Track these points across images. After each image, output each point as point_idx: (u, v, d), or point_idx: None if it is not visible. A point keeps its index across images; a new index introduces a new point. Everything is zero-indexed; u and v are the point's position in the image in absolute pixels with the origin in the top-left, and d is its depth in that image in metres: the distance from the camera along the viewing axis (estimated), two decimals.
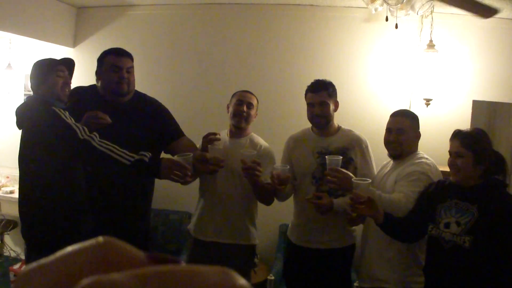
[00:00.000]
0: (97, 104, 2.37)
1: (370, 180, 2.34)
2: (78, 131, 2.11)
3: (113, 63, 2.49)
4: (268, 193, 2.70)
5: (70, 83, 2.39)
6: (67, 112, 2.18)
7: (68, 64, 2.39)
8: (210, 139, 2.63)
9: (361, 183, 2.27)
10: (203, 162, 2.48)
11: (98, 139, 2.14)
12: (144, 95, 2.67)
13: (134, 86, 2.58)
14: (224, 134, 2.89)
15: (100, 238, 0.27)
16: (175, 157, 2.30)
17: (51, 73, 2.30)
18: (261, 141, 2.89)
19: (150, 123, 2.54)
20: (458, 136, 2.24)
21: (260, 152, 2.78)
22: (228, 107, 2.88)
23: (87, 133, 2.12)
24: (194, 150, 2.58)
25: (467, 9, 3.02)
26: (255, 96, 2.89)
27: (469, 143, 2.19)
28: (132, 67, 2.57)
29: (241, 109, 2.78)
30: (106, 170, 2.34)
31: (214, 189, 2.78)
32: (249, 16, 4.45)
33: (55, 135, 2.17)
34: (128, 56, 2.57)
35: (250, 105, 2.81)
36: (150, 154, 2.25)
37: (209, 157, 2.46)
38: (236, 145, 2.79)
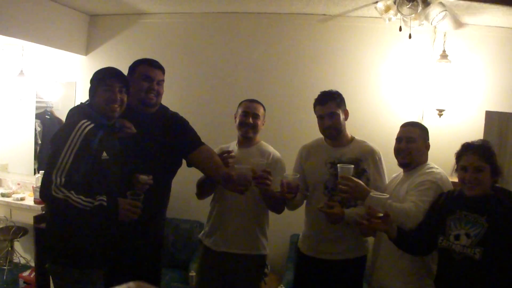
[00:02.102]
0: (123, 114, 2.35)
1: (388, 195, 2.33)
2: (56, 170, 2.04)
3: (146, 73, 2.50)
4: (279, 201, 2.69)
5: (122, 99, 2.28)
6: (90, 135, 2.13)
7: (121, 79, 2.30)
8: (224, 157, 2.66)
9: (379, 198, 2.26)
10: (230, 182, 2.47)
11: (59, 185, 2.03)
12: (167, 109, 2.69)
13: (161, 99, 2.59)
14: (233, 145, 2.92)
15: (132, 284, 0.26)
16: (128, 195, 2.23)
17: (99, 85, 2.26)
18: (271, 149, 2.89)
19: (171, 136, 2.55)
20: (473, 149, 2.20)
21: (270, 160, 2.78)
22: (235, 117, 2.89)
23: (61, 175, 2.04)
24: (214, 159, 2.59)
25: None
26: (261, 105, 2.89)
27: (487, 156, 2.17)
28: (163, 80, 2.58)
29: (247, 121, 2.80)
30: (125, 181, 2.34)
31: (225, 199, 2.78)
32: (261, 25, 4.45)
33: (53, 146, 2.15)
34: (161, 69, 2.58)
35: (256, 116, 2.82)
36: (106, 197, 2.15)
37: (235, 177, 2.45)
38: (245, 154, 2.79)
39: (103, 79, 2.27)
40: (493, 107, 3.99)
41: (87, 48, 4.93)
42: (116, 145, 2.32)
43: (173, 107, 2.75)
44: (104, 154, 2.20)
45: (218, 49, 4.55)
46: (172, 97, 3.89)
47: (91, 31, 4.93)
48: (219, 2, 4.20)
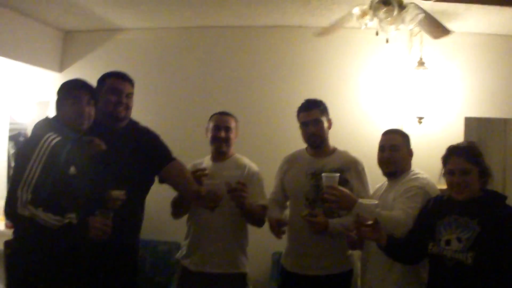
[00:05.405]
0: (92, 129, 2.29)
1: (377, 202, 2.30)
2: (21, 185, 1.96)
3: (114, 86, 2.45)
4: (258, 215, 2.68)
5: (90, 111, 2.22)
6: (56, 150, 2.04)
7: (89, 91, 2.25)
8: (198, 175, 2.60)
9: (368, 204, 2.23)
10: (199, 198, 2.43)
11: (25, 202, 1.95)
12: (137, 123, 2.63)
13: (130, 113, 2.53)
14: (207, 160, 2.87)
15: None
16: (97, 213, 2.16)
17: (66, 98, 2.20)
18: (246, 162, 2.85)
19: (141, 151, 2.48)
20: (459, 152, 2.17)
21: (246, 173, 2.76)
22: (206, 131, 2.85)
23: (27, 191, 1.95)
24: (184, 175, 2.55)
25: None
26: (233, 117, 2.86)
27: (474, 158, 2.14)
28: (132, 93, 2.52)
29: (219, 135, 2.77)
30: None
31: (200, 217, 2.72)
32: (237, 38, 4.45)
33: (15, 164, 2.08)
34: (130, 81, 2.53)
35: (228, 129, 2.79)
36: (75, 215, 2.09)
37: (204, 193, 2.41)
38: (220, 168, 2.75)
39: (70, 91, 2.21)
40: (472, 112, 4.04)
41: (61, 65, 4.82)
42: (84, 160, 2.23)
43: (149, 122, 2.69)
44: (72, 169, 2.12)
45: (195, 63, 4.52)
46: (148, 112, 3.83)
47: (66, 47, 4.84)
48: (195, 16, 4.19)
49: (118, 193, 2.30)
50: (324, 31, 3.38)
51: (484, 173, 2.14)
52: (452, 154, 2.19)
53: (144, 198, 2.63)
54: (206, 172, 2.66)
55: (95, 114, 2.28)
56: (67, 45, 4.84)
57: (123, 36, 4.67)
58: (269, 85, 4.36)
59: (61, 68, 4.83)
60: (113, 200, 2.29)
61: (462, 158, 2.14)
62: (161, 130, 2.69)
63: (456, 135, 3.83)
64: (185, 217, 2.88)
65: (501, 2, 2.87)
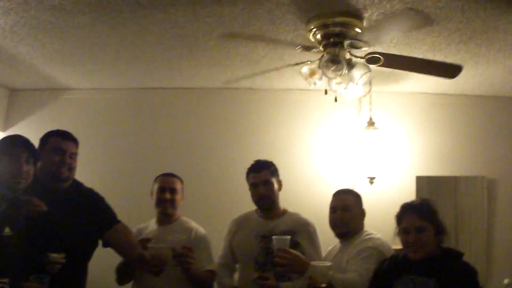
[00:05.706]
0: (32, 189, 2.16)
1: (330, 263, 2.23)
2: None
3: (57, 145, 2.37)
4: (205, 281, 2.60)
5: (29, 170, 2.10)
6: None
7: (29, 148, 2.13)
8: (143, 246, 2.49)
9: (322, 267, 2.16)
10: (143, 263, 2.35)
11: None
12: (81, 184, 2.54)
13: (74, 174, 2.44)
14: (153, 223, 2.78)
15: None
16: (32, 277, 2.01)
17: (3, 155, 2.08)
18: (193, 225, 2.79)
19: (84, 213, 2.39)
20: (413, 210, 2.14)
21: (193, 237, 2.69)
22: (151, 194, 2.77)
23: None
24: (129, 239, 2.46)
25: (429, 72, 2.96)
26: (178, 178, 2.83)
27: (428, 215, 2.11)
28: (76, 153, 2.45)
29: (164, 197, 2.71)
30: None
31: (146, 282, 2.59)
32: (186, 99, 4.45)
33: None
34: (74, 141, 2.46)
35: (173, 191, 2.75)
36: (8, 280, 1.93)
37: (148, 258, 2.33)
38: (165, 232, 2.68)
39: (8, 148, 2.10)
40: (423, 171, 4.12)
41: (5, 124, 4.65)
42: (21, 221, 2.08)
43: (93, 183, 2.61)
44: (7, 230, 1.97)
45: (141, 124, 4.48)
46: (93, 173, 3.71)
47: (11, 105, 4.68)
48: (142, 77, 4.19)
49: (57, 257, 2.16)
50: None
51: (440, 230, 2.11)
52: (406, 211, 2.16)
53: (87, 262, 2.50)
54: (152, 242, 2.55)
55: (36, 173, 2.18)
56: (12, 103, 4.70)
57: (70, 95, 4.60)
58: (217, 146, 4.33)
59: (5, 126, 4.65)
60: (51, 263, 2.14)
61: (416, 215, 2.11)
62: (106, 191, 2.60)
63: (408, 194, 3.84)
64: (131, 284, 2.75)
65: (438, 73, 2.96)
